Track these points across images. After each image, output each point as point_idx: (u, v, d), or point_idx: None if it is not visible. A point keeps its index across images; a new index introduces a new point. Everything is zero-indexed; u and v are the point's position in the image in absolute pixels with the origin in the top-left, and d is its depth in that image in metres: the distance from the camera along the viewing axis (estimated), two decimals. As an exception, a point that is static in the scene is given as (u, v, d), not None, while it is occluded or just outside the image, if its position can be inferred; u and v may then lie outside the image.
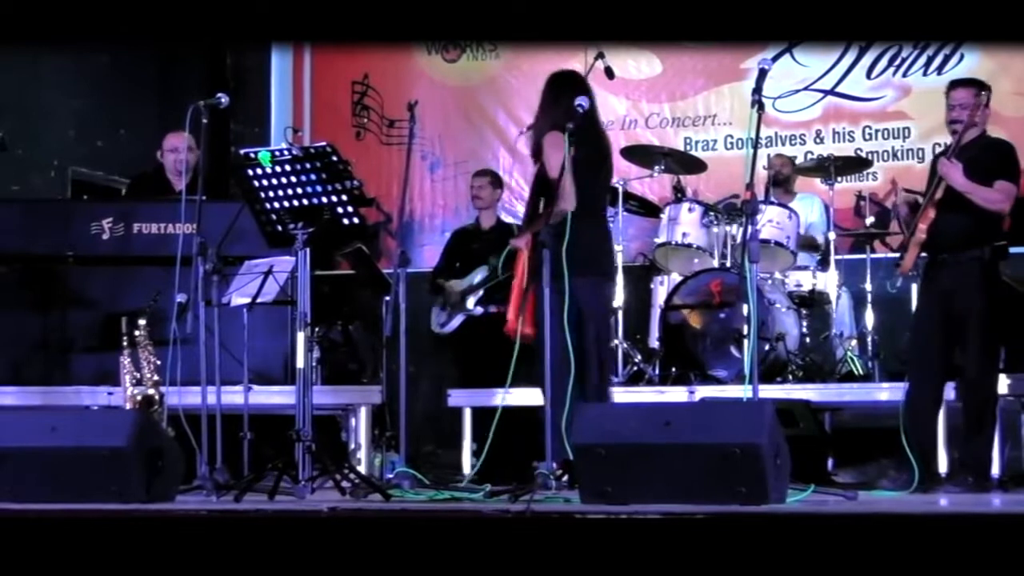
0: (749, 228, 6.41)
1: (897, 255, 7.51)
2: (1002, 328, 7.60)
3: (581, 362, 6.77)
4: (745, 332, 7.03)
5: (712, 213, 9.03)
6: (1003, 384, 7.50)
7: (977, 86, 7.28)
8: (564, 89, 7.17)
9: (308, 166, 6.63)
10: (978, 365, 7.09)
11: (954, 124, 7.21)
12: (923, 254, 7.26)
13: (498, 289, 8.88)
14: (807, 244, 9.25)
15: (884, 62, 10.60)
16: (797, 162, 9.95)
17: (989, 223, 7.16)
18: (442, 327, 9.42)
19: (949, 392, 7.29)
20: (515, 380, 6.97)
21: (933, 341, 7.19)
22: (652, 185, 10.22)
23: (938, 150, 7.47)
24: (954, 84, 7.39)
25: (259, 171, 6.70)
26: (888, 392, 7.90)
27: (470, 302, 9.22)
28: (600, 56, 9.37)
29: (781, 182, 9.74)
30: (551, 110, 7.11)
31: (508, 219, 9.98)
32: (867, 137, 10.66)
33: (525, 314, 6.96)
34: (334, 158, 6.65)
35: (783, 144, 10.71)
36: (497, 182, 9.87)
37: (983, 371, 7.12)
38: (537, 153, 7.12)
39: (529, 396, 7.54)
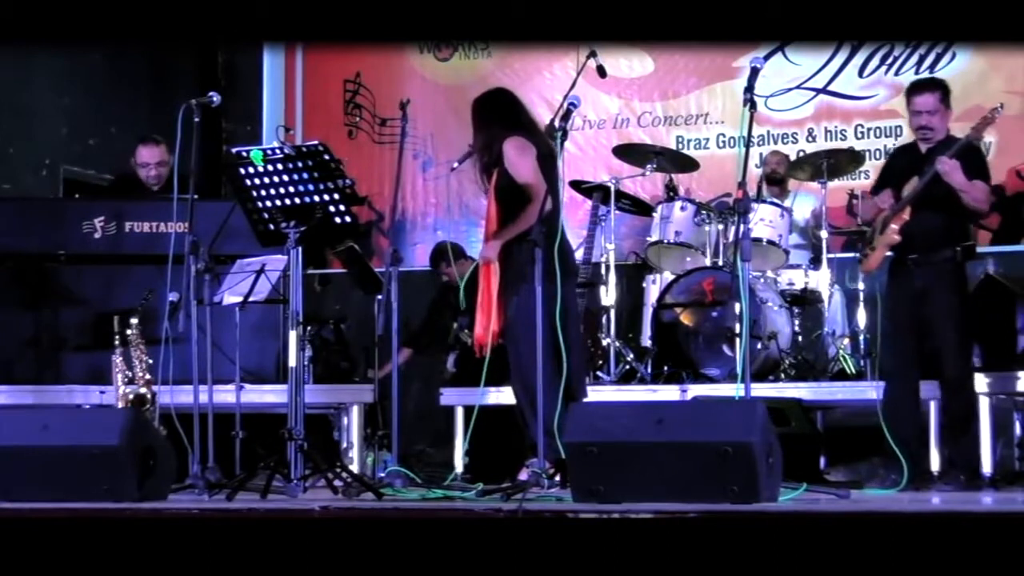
0: (741, 226, 6.42)
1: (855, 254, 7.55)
2: (987, 326, 7.66)
3: (561, 361, 6.80)
4: (737, 331, 7.04)
5: (704, 212, 9.03)
6: (983, 382, 7.52)
7: (940, 89, 7.18)
8: (506, 103, 7.27)
9: (300, 165, 6.63)
10: (956, 366, 7.10)
11: (923, 131, 7.13)
12: (888, 253, 7.27)
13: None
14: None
15: (876, 61, 10.62)
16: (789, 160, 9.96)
17: (960, 224, 7.16)
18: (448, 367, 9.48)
19: (936, 391, 7.31)
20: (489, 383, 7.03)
21: (908, 340, 7.20)
22: (644, 184, 10.23)
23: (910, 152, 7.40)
24: (916, 88, 7.25)
25: (251, 170, 6.70)
26: (880, 391, 7.90)
27: (450, 361, 9.29)
28: (592, 55, 9.37)
29: (777, 180, 9.75)
30: (498, 121, 7.13)
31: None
32: (859, 135, 10.67)
33: (488, 324, 6.98)
34: (326, 157, 6.64)
35: (775, 143, 10.73)
36: (456, 257, 9.69)
37: (962, 372, 7.14)
38: (492, 165, 7.10)
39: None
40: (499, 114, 7.19)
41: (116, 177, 9.57)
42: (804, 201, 9.67)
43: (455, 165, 7.52)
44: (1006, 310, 8.01)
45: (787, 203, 9.34)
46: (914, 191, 7.11)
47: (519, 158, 6.99)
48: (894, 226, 7.14)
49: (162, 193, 8.63)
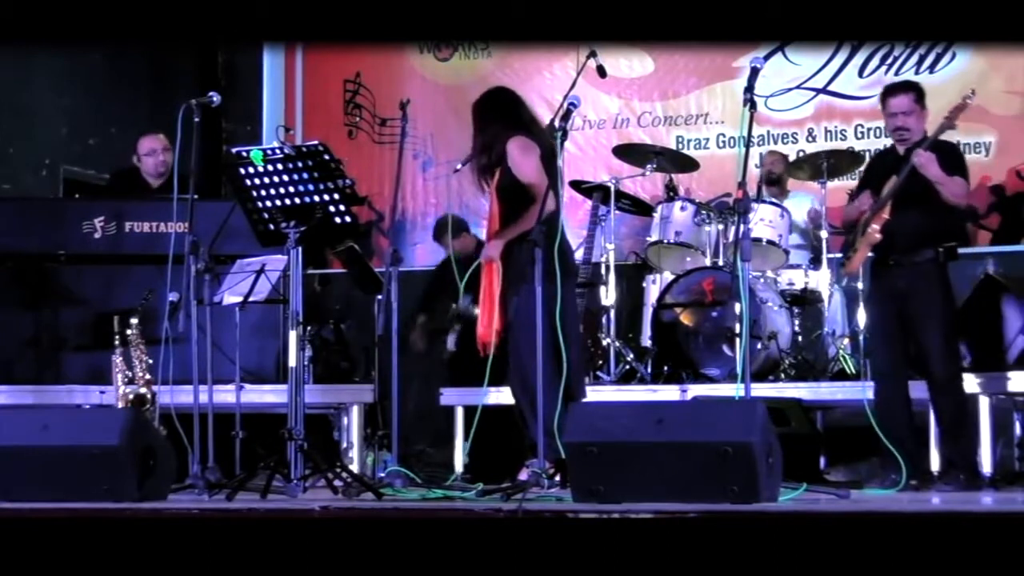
0: (741, 226, 6.42)
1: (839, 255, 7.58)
2: (985, 326, 7.67)
3: (561, 362, 6.81)
4: (737, 331, 7.04)
5: (704, 212, 9.03)
6: (974, 382, 7.54)
7: (914, 91, 7.24)
8: (508, 102, 7.26)
9: (300, 165, 6.63)
10: (942, 367, 7.09)
11: (900, 132, 7.19)
12: (869, 254, 7.28)
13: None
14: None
15: (876, 61, 10.62)
16: (789, 160, 9.96)
17: (943, 223, 7.17)
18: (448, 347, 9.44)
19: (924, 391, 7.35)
20: (490, 383, 7.03)
21: (895, 341, 7.22)
22: (644, 184, 10.23)
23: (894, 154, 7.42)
24: (891, 91, 7.32)
25: (251, 170, 6.70)
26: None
27: (450, 340, 9.25)
28: (592, 55, 9.37)
29: (774, 180, 9.75)
30: (500, 121, 7.13)
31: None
32: (859, 136, 10.66)
33: (491, 323, 6.98)
34: (326, 157, 6.64)
35: (775, 143, 10.72)
36: (456, 231, 9.68)
37: (948, 372, 7.13)
38: (493, 165, 7.10)
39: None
40: (500, 113, 7.19)
41: (113, 174, 9.58)
42: (802, 201, 9.66)
43: (458, 167, 7.51)
44: (993, 309, 8.03)
45: (785, 203, 9.34)
46: (892, 188, 7.12)
47: (523, 158, 6.99)
48: (875, 226, 7.16)
49: (161, 191, 8.64)
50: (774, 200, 9.14)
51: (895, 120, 7.21)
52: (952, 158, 7.15)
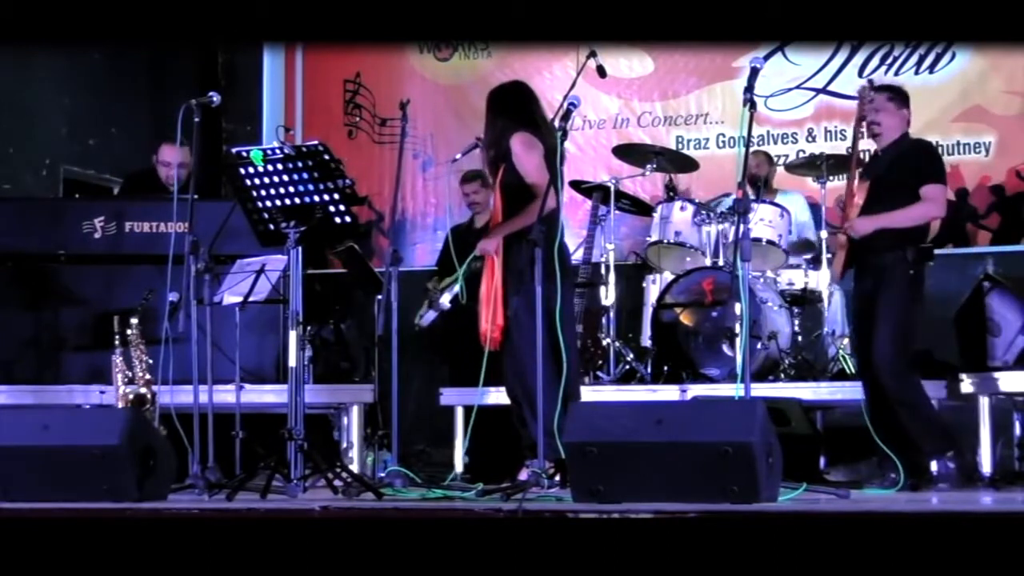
0: (741, 226, 6.42)
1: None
2: (981, 327, 7.69)
3: (559, 361, 6.81)
4: (737, 331, 7.04)
5: (704, 212, 9.03)
6: (968, 384, 7.54)
7: (887, 91, 7.29)
8: (521, 97, 7.27)
9: (300, 165, 6.63)
10: (891, 376, 7.00)
11: (871, 127, 7.25)
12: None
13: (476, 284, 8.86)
14: (802, 246, 9.24)
15: (876, 61, 10.61)
16: (789, 160, 9.96)
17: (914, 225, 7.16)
18: (420, 319, 9.38)
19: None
20: (487, 383, 7.02)
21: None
22: (644, 184, 10.23)
23: (871, 156, 7.44)
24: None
25: (251, 170, 6.70)
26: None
27: (445, 298, 9.19)
28: (592, 55, 9.38)
29: (760, 182, 9.73)
30: (509, 115, 7.15)
31: None
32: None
33: (494, 318, 6.98)
34: (326, 157, 6.64)
35: (775, 143, 10.72)
36: (487, 181, 9.75)
37: (898, 381, 7.02)
38: (498, 160, 7.12)
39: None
40: (510, 108, 7.20)
41: (128, 176, 9.60)
42: (794, 200, 9.64)
43: (457, 156, 7.55)
44: (981, 310, 8.04)
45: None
46: (848, 189, 7.18)
47: (525, 154, 7.00)
48: (846, 226, 7.18)
49: (179, 193, 8.64)
50: (774, 200, 9.14)
51: (868, 116, 7.27)
52: (919, 164, 7.16)
